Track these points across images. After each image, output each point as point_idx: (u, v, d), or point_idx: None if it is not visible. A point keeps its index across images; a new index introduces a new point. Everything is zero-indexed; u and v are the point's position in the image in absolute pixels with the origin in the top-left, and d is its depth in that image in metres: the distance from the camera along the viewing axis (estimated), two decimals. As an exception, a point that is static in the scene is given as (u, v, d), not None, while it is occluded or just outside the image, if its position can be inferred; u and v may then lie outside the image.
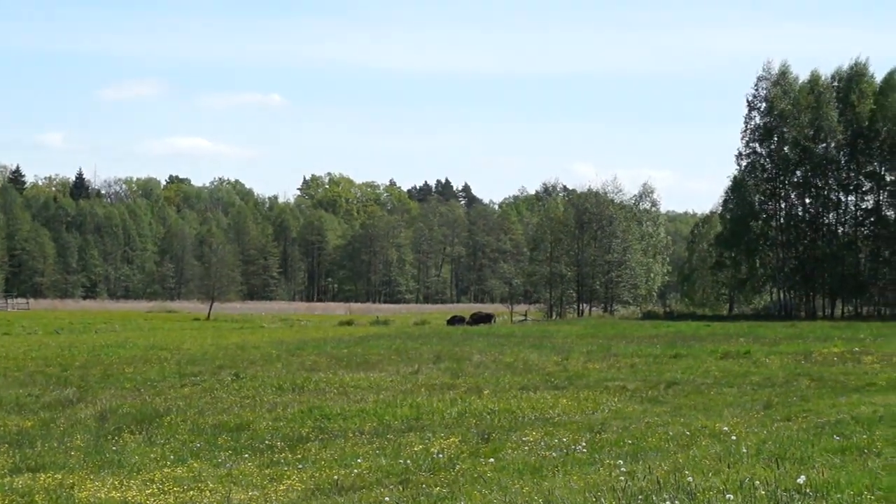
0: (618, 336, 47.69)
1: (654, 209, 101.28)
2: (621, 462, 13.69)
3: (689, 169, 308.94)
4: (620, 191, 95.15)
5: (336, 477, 14.13)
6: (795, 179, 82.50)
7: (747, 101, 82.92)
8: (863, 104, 79.55)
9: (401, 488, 13.29)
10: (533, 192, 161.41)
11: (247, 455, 16.42)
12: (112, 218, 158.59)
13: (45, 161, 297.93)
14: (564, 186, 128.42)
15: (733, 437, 15.55)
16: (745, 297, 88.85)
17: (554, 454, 15.16)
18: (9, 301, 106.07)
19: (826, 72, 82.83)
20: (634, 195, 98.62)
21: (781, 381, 25.75)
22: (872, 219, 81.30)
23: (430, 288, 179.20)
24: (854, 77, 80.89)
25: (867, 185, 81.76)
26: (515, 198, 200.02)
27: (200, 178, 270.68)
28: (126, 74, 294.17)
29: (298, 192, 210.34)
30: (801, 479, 11.26)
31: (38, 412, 22.44)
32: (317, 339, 49.42)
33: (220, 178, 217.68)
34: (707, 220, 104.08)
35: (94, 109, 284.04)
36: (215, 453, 16.66)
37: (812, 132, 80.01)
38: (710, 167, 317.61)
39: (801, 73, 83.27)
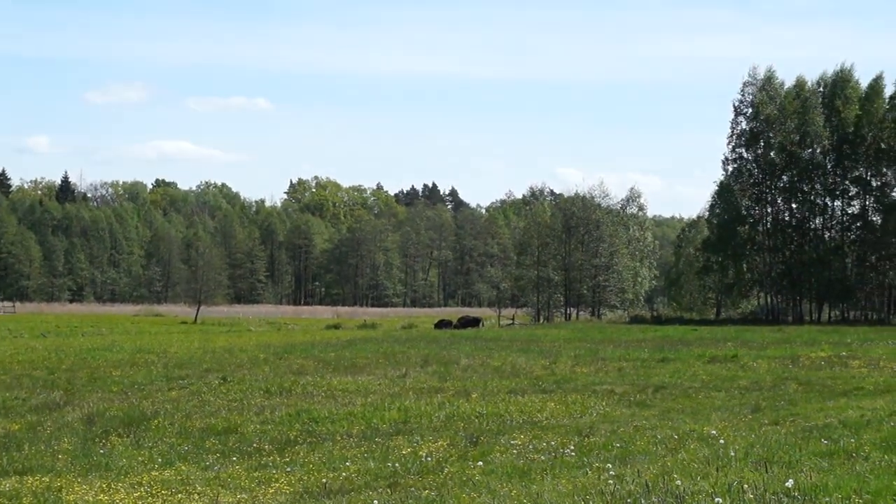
0: (605, 340, 47.71)
1: (640, 213, 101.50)
2: (610, 466, 13.69)
3: (675, 174, 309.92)
4: (607, 195, 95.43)
5: (324, 480, 14.12)
6: (782, 184, 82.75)
7: (733, 106, 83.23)
8: (848, 110, 79.82)
9: (389, 491, 13.28)
10: (520, 197, 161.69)
11: (235, 458, 16.39)
12: (98, 221, 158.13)
13: (30, 164, 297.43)
14: (551, 191, 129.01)
15: (721, 441, 15.57)
16: (732, 302, 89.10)
17: (542, 458, 15.16)
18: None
19: (811, 77, 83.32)
20: (621, 200, 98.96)
21: (769, 385, 25.79)
22: (859, 224, 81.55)
23: (418, 292, 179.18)
24: (839, 83, 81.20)
25: (853, 191, 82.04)
26: (502, 202, 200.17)
27: (187, 182, 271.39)
28: (112, 78, 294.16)
29: (285, 196, 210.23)
30: (790, 483, 11.27)
31: (24, 415, 22.37)
32: (304, 342, 49.34)
33: (206, 182, 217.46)
34: (694, 224, 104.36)
35: (81, 113, 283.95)
36: (203, 456, 16.63)
37: (798, 137, 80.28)
38: (697, 172, 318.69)
39: (787, 79, 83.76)
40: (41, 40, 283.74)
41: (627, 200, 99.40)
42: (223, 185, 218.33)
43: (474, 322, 74.38)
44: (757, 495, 10.92)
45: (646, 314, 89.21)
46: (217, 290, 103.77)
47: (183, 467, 15.63)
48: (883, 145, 78.19)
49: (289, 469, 15.20)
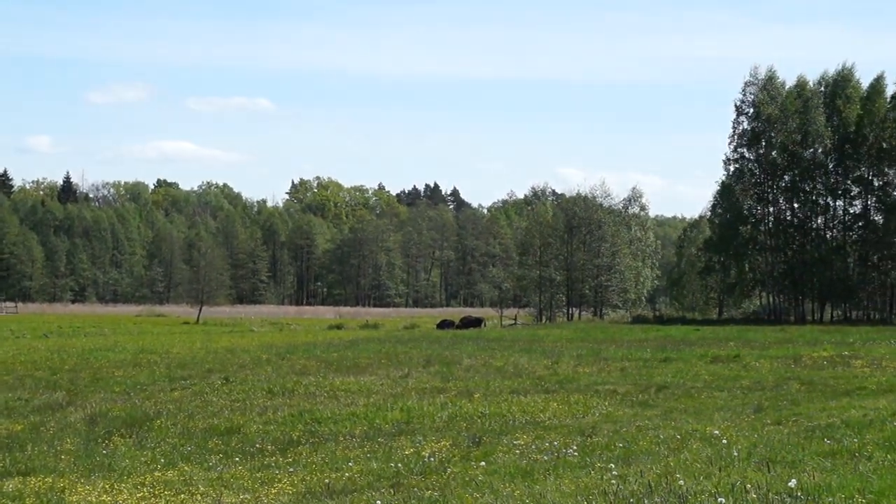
0: (608, 340, 47.71)
1: (642, 213, 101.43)
2: (612, 466, 13.69)
3: (677, 173, 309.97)
4: (609, 195, 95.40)
5: (327, 480, 14.13)
6: (783, 184, 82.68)
7: (735, 106, 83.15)
8: (849, 109, 79.78)
9: (392, 492, 13.28)
10: (522, 197, 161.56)
11: (237, 459, 16.40)
12: (100, 222, 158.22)
13: (32, 164, 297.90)
14: (553, 191, 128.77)
15: (724, 441, 15.56)
16: (734, 302, 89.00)
17: (545, 458, 15.16)
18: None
19: (813, 77, 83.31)
20: (623, 199, 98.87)
21: (771, 385, 25.79)
22: (861, 223, 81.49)
23: (420, 292, 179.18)
24: (840, 82, 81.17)
25: (855, 190, 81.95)
26: (504, 202, 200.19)
27: (188, 182, 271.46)
28: (114, 78, 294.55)
29: (287, 197, 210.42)
30: (793, 483, 11.26)
31: (27, 416, 22.38)
32: (306, 342, 49.35)
33: (208, 182, 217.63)
34: (696, 224, 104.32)
35: (82, 113, 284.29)
36: (206, 457, 16.64)
37: (800, 137, 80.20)
38: (699, 172, 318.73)
39: (789, 79, 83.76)
40: (42, 40, 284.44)
41: (629, 200, 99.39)
42: (225, 185, 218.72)
43: (476, 322, 74.36)
44: (760, 495, 10.91)
45: (648, 314, 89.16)
46: (219, 291, 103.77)
47: (186, 468, 15.64)
48: (884, 145, 78.14)
49: (291, 469, 15.20)
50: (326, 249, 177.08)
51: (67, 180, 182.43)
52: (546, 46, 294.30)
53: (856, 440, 15.13)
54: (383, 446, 17.05)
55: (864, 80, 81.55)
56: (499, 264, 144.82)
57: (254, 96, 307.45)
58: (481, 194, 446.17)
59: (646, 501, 11.09)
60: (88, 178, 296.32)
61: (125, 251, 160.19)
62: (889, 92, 79.35)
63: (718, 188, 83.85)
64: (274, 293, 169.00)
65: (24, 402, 24.71)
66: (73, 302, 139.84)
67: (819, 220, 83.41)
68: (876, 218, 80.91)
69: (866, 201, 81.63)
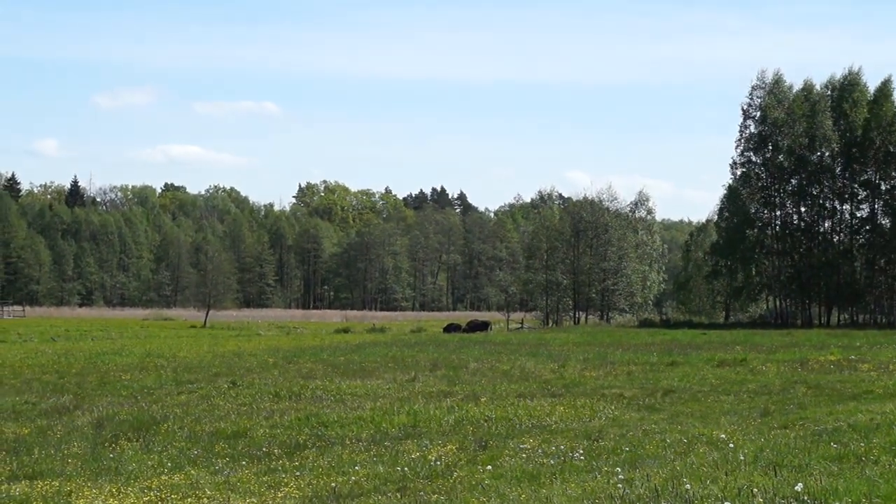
0: (614, 344, 47.68)
1: (649, 217, 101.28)
2: (619, 470, 13.69)
3: (684, 178, 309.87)
4: (616, 199, 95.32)
5: (333, 484, 14.13)
6: (790, 188, 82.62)
7: (742, 109, 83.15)
8: (856, 113, 79.74)
9: (398, 495, 13.29)
10: (528, 200, 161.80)
11: (244, 462, 16.40)
12: (108, 225, 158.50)
13: (40, 168, 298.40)
14: (560, 194, 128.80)
15: (731, 445, 15.55)
16: (741, 306, 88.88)
17: (551, 462, 15.15)
18: (4, 309, 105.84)
19: (819, 81, 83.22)
20: (630, 203, 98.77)
21: (778, 389, 25.75)
22: (868, 227, 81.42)
23: (427, 295, 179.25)
24: (847, 86, 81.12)
25: (862, 194, 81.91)
26: (511, 206, 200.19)
27: (196, 186, 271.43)
28: (121, 82, 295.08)
29: (294, 200, 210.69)
30: (799, 487, 11.27)
31: (34, 419, 22.41)
32: (313, 346, 49.37)
33: (215, 186, 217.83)
34: (703, 228, 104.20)
35: (90, 117, 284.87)
36: (212, 460, 16.65)
37: (807, 141, 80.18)
38: (706, 176, 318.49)
39: (795, 82, 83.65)
40: (49, 44, 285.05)
41: (636, 204, 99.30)
42: (232, 189, 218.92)
43: (483, 326, 74.39)
44: (766, 499, 10.91)
45: (655, 318, 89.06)
46: (226, 295, 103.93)
47: (192, 471, 15.64)
48: (892, 148, 78.11)
49: (298, 473, 15.21)
50: (333, 253, 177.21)
51: (75, 184, 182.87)
52: (554, 50, 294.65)
53: (863, 444, 15.12)
54: (390, 450, 17.04)
55: (871, 83, 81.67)
56: (505, 268, 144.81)
57: (261, 100, 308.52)
58: (488, 198, 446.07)
59: (652, 505, 11.10)
60: (96, 181, 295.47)
61: (132, 255, 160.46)
62: (896, 96, 79.32)
63: (725, 192, 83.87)
64: (281, 297, 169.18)
65: (32, 406, 24.74)
66: (81, 306, 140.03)
67: (826, 224, 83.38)
68: (883, 222, 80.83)
69: (873, 205, 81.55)
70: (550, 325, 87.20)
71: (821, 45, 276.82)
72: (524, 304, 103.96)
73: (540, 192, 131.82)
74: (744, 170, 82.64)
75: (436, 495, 13.04)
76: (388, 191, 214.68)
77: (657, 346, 44.75)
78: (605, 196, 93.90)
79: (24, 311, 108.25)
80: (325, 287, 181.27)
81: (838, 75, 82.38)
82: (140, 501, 13.56)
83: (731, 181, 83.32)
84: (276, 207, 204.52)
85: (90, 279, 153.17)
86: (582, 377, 30.37)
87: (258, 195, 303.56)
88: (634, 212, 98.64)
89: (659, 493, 11.51)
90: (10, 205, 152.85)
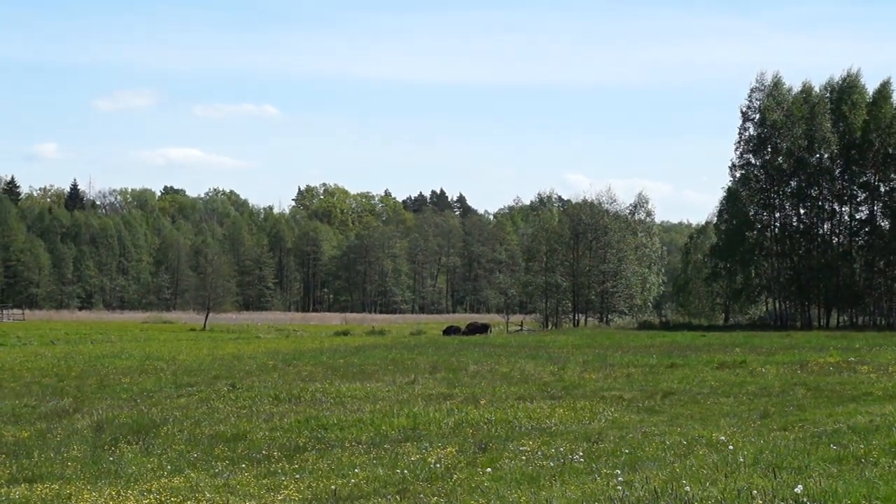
0: (614, 346, 47.68)
1: (648, 220, 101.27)
2: (618, 472, 13.70)
3: (683, 180, 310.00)
4: (615, 201, 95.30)
5: (333, 487, 14.13)
6: (789, 190, 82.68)
7: (741, 112, 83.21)
8: (855, 115, 79.82)
9: (398, 498, 13.30)
10: (528, 203, 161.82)
11: (244, 465, 16.41)
12: (107, 229, 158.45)
13: (39, 172, 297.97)
14: (559, 197, 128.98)
15: (730, 447, 15.56)
16: (740, 308, 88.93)
17: (551, 464, 15.16)
18: (4, 312, 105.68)
19: (818, 83, 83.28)
20: (629, 206, 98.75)
21: (778, 391, 25.76)
22: (867, 229, 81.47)
23: (426, 298, 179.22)
24: (846, 88, 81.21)
25: (861, 196, 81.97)
26: (510, 208, 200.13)
27: (195, 189, 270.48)
28: (121, 85, 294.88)
29: (293, 203, 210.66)
30: (799, 489, 11.28)
31: (34, 422, 22.41)
32: (313, 349, 49.37)
33: (214, 189, 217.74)
34: (702, 230, 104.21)
35: (89, 120, 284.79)
36: (212, 463, 16.65)
37: (806, 143, 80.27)
38: (705, 178, 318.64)
39: (794, 85, 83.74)
40: (49, 47, 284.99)
41: (635, 206, 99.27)
42: (231, 192, 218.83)
43: (483, 328, 74.38)
44: (766, 501, 10.92)
45: (654, 320, 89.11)
46: (226, 298, 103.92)
47: (192, 474, 15.65)
48: (891, 150, 78.19)
49: (298, 476, 15.21)
50: (333, 256, 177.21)
51: (74, 187, 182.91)
52: (554, 53, 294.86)
53: (862, 446, 15.13)
54: (389, 452, 17.05)
55: (870, 85, 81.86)
56: (505, 270, 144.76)
57: (260, 103, 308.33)
58: (487, 201, 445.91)
59: (652, 507, 11.10)
60: (95, 185, 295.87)
61: (132, 258, 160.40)
62: (895, 98, 79.34)
63: (724, 194, 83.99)
64: (280, 300, 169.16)
65: (31, 409, 24.74)
66: (80, 309, 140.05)
67: (825, 226, 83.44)
68: (882, 223, 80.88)
69: (872, 207, 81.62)
70: (550, 327, 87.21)
71: (819, 47, 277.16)
72: (523, 306, 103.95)
73: (539, 194, 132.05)
74: (743, 172, 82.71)
75: (435, 498, 13.05)
76: (387, 193, 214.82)
77: (657, 349, 44.76)
78: (604, 198, 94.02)
79: (23, 314, 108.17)
80: (325, 290, 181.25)
81: (837, 77, 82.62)
82: (140, 504, 13.56)
83: (730, 183, 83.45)
84: (276, 210, 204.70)
85: (90, 282, 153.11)
86: (581, 379, 30.37)
87: (258, 198, 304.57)
88: (634, 214, 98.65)
89: (658, 496, 11.52)
90: (9, 208, 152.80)
